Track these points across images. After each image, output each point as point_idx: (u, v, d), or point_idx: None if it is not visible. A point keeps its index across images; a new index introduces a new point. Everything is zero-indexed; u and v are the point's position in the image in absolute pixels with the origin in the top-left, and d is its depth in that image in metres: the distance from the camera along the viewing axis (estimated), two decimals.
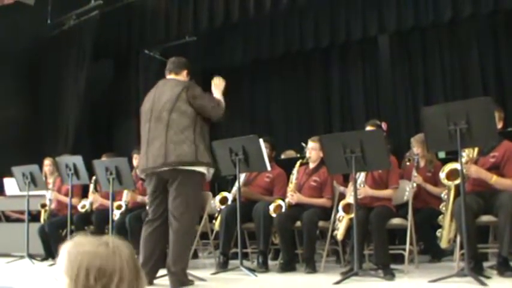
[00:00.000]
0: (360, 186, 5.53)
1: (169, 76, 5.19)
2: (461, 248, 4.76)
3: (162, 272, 5.01)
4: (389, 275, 5.01)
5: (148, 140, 4.87)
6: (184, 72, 5.21)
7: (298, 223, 5.88)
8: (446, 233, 5.17)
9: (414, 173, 5.94)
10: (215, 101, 5.00)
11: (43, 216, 8.13)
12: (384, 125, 6.30)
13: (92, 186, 7.50)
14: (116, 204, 6.93)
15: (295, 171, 6.27)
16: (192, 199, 4.86)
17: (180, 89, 4.89)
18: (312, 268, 5.68)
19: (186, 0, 9.78)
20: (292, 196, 6.02)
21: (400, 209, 5.90)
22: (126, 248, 1.58)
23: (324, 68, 11.65)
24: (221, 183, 8.59)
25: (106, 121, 11.54)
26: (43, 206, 8.09)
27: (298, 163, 6.33)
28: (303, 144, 6.74)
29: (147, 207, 5.28)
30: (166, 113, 4.81)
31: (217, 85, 5.31)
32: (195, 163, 4.74)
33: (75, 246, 1.56)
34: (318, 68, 11.74)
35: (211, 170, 5.04)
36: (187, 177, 4.78)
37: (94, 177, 7.16)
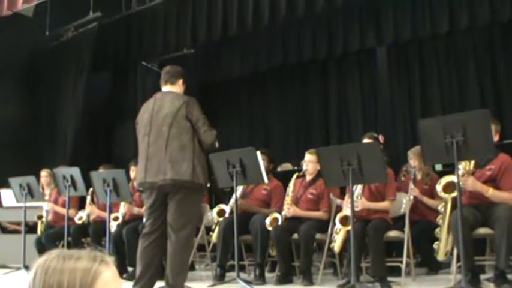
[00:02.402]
0: (357, 199, 5.53)
1: (166, 87, 5.15)
2: (458, 260, 4.76)
3: (160, 284, 5.01)
4: (387, 287, 5.01)
5: (148, 154, 4.85)
6: (180, 82, 5.18)
7: (295, 235, 5.88)
8: (443, 246, 5.17)
9: (411, 186, 5.95)
10: (210, 127, 4.95)
11: (40, 228, 8.12)
12: (381, 138, 6.30)
13: (88, 198, 7.48)
14: (112, 216, 6.92)
15: (291, 184, 6.27)
16: (191, 212, 4.87)
17: (180, 103, 4.87)
18: (308, 280, 5.68)
19: (184, 12, 9.80)
20: (289, 209, 6.02)
21: (397, 222, 5.89)
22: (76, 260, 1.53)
23: (322, 79, 11.65)
24: (218, 195, 8.58)
25: (104, 132, 11.53)
26: (40, 217, 8.08)
27: (294, 176, 6.33)
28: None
29: (145, 220, 5.27)
30: (166, 128, 4.80)
31: None
32: (191, 183, 4.74)
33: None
34: (315, 79, 11.74)
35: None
36: (188, 190, 4.78)
37: (91, 189, 7.15)
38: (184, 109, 4.83)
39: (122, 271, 6.37)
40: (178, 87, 5.15)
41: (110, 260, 1.59)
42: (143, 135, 4.95)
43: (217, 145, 5.19)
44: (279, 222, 5.98)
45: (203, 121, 4.89)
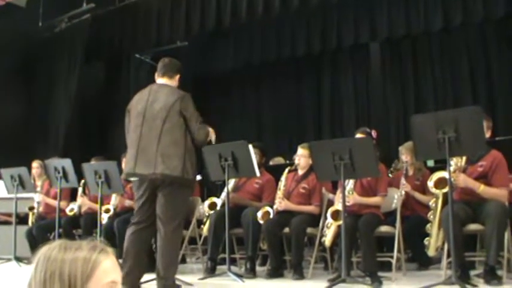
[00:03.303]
0: (348, 194, 5.54)
1: (162, 80, 5.12)
2: (449, 256, 4.78)
3: (151, 276, 5.01)
4: (377, 282, 5.02)
5: (139, 145, 4.83)
6: (177, 77, 5.17)
7: (287, 229, 5.88)
8: (433, 241, 5.19)
9: (403, 181, 5.97)
10: (202, 125, 4.94)
11: (31, 219, 8.10)
12: (373, 133, 6.31)
13: (80, 190, 7.46)
14: (104, 208, 6.91)
15: (283, 178, 6.27)
16: (180, 206, 4.87)
17: (175, 98, 4.85)
18: (299, 274, 5.68)
19: (178, 4, 9.77)
20: (280, 203, 6.02)
21: (388, 217, 5.91)
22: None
23: (315, 74, 11.66)
24: (210, 188, 8.58)
25: (97, 124, 11.50)
26: (31, 208, 8.06)
27: (286, 170, 6.33)
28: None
29: (134, 211, 5.28)
30: (160, 122, 4.78)
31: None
32: (181, 179, 4.73)
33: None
34: (308, 74, 11.74)
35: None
36: (178, 185, 4.78)
37: (83, 181, 7.14)
38: (179, 104, 4.82)
39: None
40: (174, 82, 5.14)
41: (110, 249, 1.62)
42: (136, 126, 4.92)
43: (213, 142, 5.19)
44: (271, 216, 5.98)
45: (196, 118, 4.88)
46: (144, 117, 4.87)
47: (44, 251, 1.58)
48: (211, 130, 5.16)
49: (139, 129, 4.87)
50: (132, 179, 5.04)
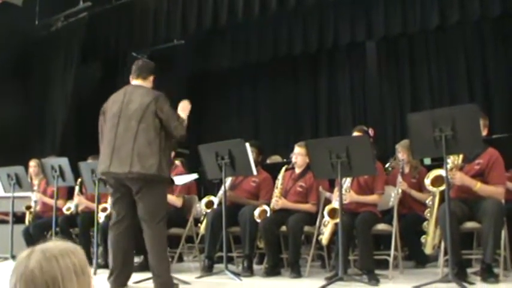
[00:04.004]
0: (345, 192, 5.55)
1: (136, 81, 5.17)
2: (446, 254, 4.80)
3: (147, 275, 5.02)
4: (374, 280, 5.03)
5: (115, 145, 4.85)
6: (151, 78, 5.21)
7: (284, 228, 5.89)
8: (430, 239, 5.19)
9: (399, 179, 5.97)
10: (180, 120, 4.96)
11: (28, 218, 8.08)
12: (371, 131, 6.32)
13: (77, 189, 7.46)
14: (101, 206, 6.91)
15: (280, 176, 6.27)
16: (159, 202, 4.89)
17: (150, 99, 4.88)
18: (296, 273, 5.69)
19: (174, 3, 9.77)
20: (277, 201, 6.03)
21: (385, 215, 5.92)
22: (65, 254, 1.56)
23: (312, 72, 11.67)
24: (207, 186, 8.58)
25: (93, 123, 11.45)
26: (28, 207, 8.05)
27: (283, 168, 6.33)
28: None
29: (110, 208, 5.30)
30: (135, 122, 4.82)
31: (184, 108, 5.22)
32: (157, 177, 4.75)
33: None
34: (305, 72, 11.76)
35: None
36: (154, 184, 4.79)
37: (79, 180, 7.14)
38: (154, 105, 4.85)
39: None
40: (148, 83, 5.18)
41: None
42: (111, 126, 4.96)
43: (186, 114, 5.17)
44: (268, 214, 5.99)
45: (172, 116, 4.89)
46: (120, 118, 4.91)
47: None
48: (184, 104, 5.18)
49: (115, 129, 4.90)
50: (105, 177, 5.06)
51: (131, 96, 4.97)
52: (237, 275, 5.61)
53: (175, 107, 5.09)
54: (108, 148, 4.89)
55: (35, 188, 8.09)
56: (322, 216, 5.76)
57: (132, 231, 4.97)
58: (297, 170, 6.29)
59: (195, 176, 6.36)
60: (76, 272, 1.55)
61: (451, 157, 4.90)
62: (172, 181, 5.26)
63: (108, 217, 6.92)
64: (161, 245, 4.89)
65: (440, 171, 4.97)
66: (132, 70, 5.23)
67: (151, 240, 4.82)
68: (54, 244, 1.59)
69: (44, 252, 1.56)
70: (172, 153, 6.66)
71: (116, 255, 4.90)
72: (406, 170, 6.32)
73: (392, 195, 5.89)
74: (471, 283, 4.53)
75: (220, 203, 6.33)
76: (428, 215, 5.24)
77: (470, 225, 4.90)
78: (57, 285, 1.51)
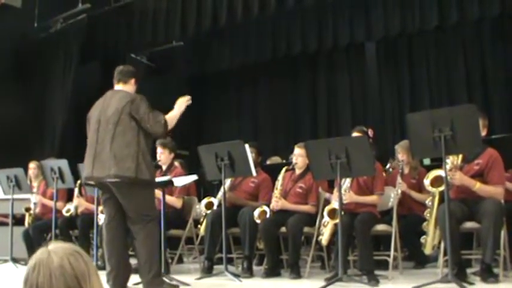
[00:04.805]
0: (345, 192, 5.54)
1: (118, 86, 5.20)
2: (445, 254, 4.79)
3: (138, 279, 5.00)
4: (374, 281, 5.03)
5: (96, 150, 4.88)
6: (132, 81, 5.22)
7: (283, 229, 5.88)
8: (430, 240, 5.19)
9: (399, 180, 5.97)
10: (157, 119, 4.92)
11: (27, 220, 8.07)
12: (370, 132, 6.31)
13: (76, 190, 7.46)
14: (100, 208, 6.89)
15: (280, 177, 6.27)
16: (142, 204, 4.87)
17: (125, 101, 4.89)
18: (296, 273, 5.69)
19: (173, 4, 9.77)
20: (277, 202, 6.02)
21: (385, 215, 5.92)
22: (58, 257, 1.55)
23: (311, 73, 11.68)
24: (207, 188, 8.57)
25: None
26: (27, 209, 8.04)
27: (283, 169, 6.33)
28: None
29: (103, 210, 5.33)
30: (112, 126, 4.83)
31: (180, 104, 5.20)
32: (135, 180, 4.74)
33: None
34: (305, 73, 11.77)
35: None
36: (133, 185, 4.78)
37: (79, 181, 7.14)
38: (129, 107, 4.85)
39: None
40: (130, 86, 5.19)
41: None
42: (93, 132, 5.00)
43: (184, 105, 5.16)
44: (267, 215, 5.98)
45: (149, 115, 4.86)
46: (100, 123, 4.95)
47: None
48: (181, 100, 5.17)
49: (96, 134, 4.95)
50: (90, 182, 5.07)
51: (110, 101, 5.02)
52: (236, 276, 5.61)
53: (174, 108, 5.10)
54: (90, 154, 4.94)
55: (35, 190, 8.09)
56: (322, 217, 5.76)
57: (123, 230, 4.97)
58: (297, 171, 6.29)
59: (194, 177, 6.35)
60: (95, 269, 1.58)
61: (451, 157, 4.90)
62: (155, 183, 5.21)
63: None
64: (148, 245, 4.85)
65: (440, 172, 4.97)
66: (114, 76, 5.26)
67: (137, 242, 4.83)
68: (62, 244, 1.59)
69: (64, 249, 1.56)
70: (172, 155, 6.72)
71: (111, 255, 4.90)
72: (406, 170, 6.32)
73: (391, 196, 5.89)
74: (471, 283, 4.54)
75: (219, 204, 6.33)
76: (428, 215, 5.23)
77: (469, 225, 4.90)
78: (86, 280, 1.53)
